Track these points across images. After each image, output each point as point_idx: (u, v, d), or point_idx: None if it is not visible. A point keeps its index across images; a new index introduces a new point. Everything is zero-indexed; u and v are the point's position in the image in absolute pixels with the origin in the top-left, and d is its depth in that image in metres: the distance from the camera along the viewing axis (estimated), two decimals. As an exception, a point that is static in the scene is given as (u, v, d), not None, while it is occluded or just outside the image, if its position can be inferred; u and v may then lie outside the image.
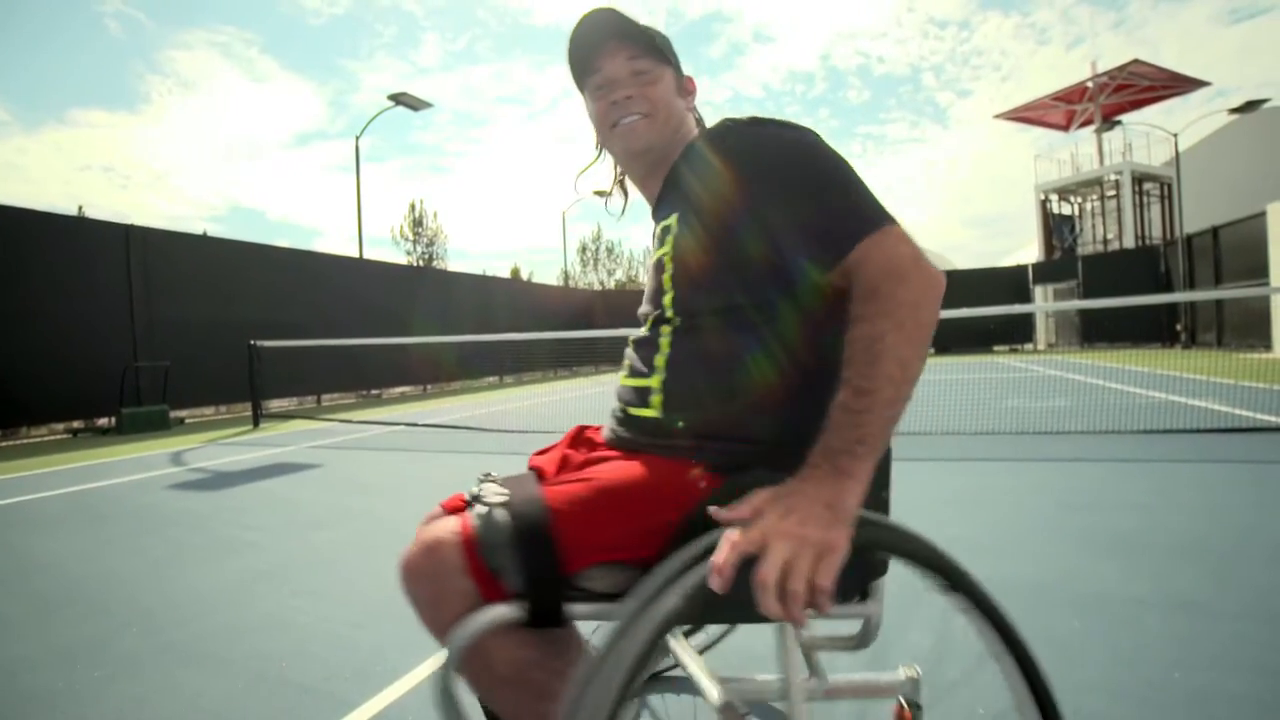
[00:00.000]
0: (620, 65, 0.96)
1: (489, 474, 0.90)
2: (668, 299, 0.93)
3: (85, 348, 8.26)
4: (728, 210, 0.87)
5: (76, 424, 8.41)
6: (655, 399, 0.91)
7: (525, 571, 0.75)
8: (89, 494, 4.20)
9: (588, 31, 0.96)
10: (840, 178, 0.82)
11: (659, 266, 0.96)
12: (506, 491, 0.82)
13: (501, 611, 0.74)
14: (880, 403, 0.70)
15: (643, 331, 0.99)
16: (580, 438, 1.04)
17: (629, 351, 1.01)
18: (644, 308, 1.00)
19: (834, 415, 0.71)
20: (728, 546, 0.63)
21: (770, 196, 0.83)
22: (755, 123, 0.88)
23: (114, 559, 2.73)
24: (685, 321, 0.92)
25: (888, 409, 0.70)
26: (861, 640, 0.91)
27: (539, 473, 0.92)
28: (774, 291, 0.86)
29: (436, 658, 0.76)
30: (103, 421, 8.51)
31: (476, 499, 0.83)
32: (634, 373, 0.97)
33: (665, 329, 0.94)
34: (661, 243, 0.97)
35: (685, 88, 1.03)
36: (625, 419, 0.95)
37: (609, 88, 0.97)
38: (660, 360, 0.93)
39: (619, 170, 1.11)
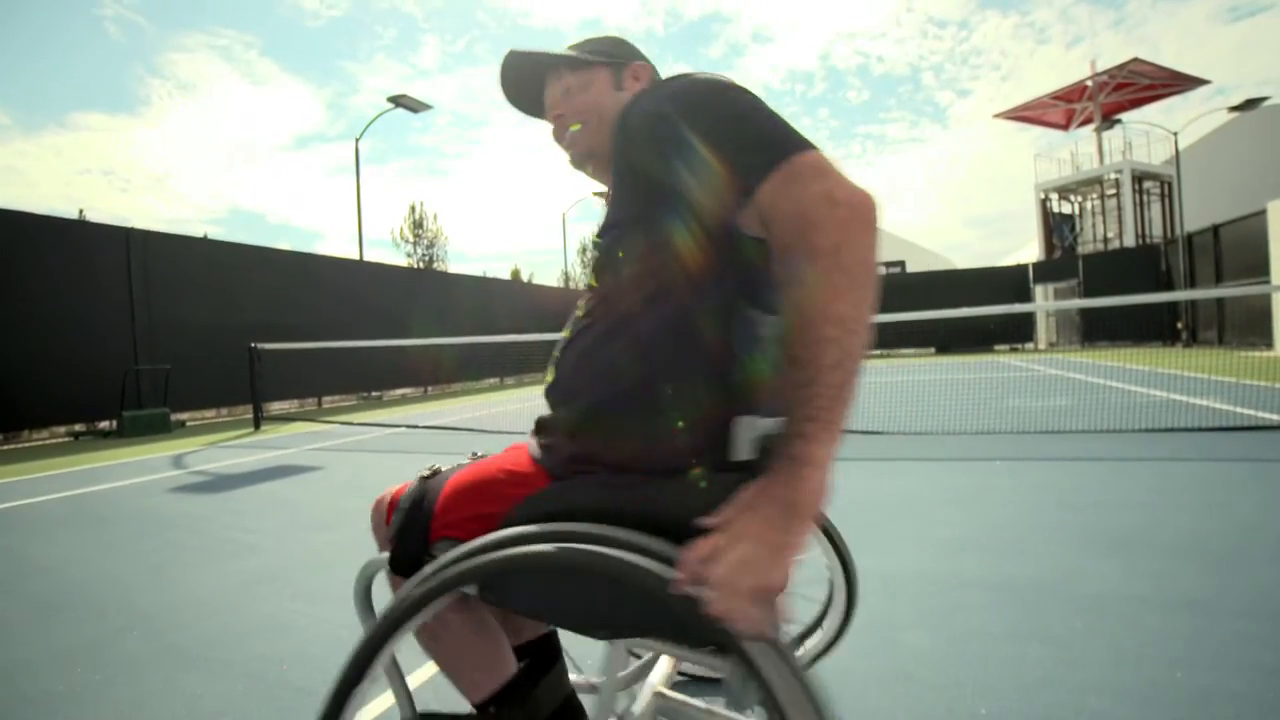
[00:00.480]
0: (554, 91, 1.00)
1: (474, 453, 1.02)
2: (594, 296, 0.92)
3: (86, 351, 8.27)
4: (623, 188, 0.84)
5: (78, 427, 8.41)
6: (547, 383, 0.96)
7: (393, 532, 0.89)
8: (90, 497, 4.20)
9: (515, 86, 1.03)
10: (732, 112, 0.73)
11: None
12: (439, 468, 0.96)
13: (381, 559, 0.92)
14: (824, 369, 0.62)
15: None
16: None
17: None
18: None
19: (787, 397, 0.66)
20: (691, 555, 0.63)
21: (659, 156, 0.76)
22: (650, 89, 0.84)
23: (114, 562, 2.73)
24: (590, 311, 0.90)
25: (832, 374, 0.62)
26: (736, 704, 0.84)
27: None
28: (667, 274, 0.79)
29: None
30: (104, 424, 8.51)
31: None
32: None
33: (578, 315, 0.93)
34: None
35: (632, 76, 1.00)
36: None
37: (550, 111, 1.01)
38: (558, 351, 0.96)
39: None
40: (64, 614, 2.16)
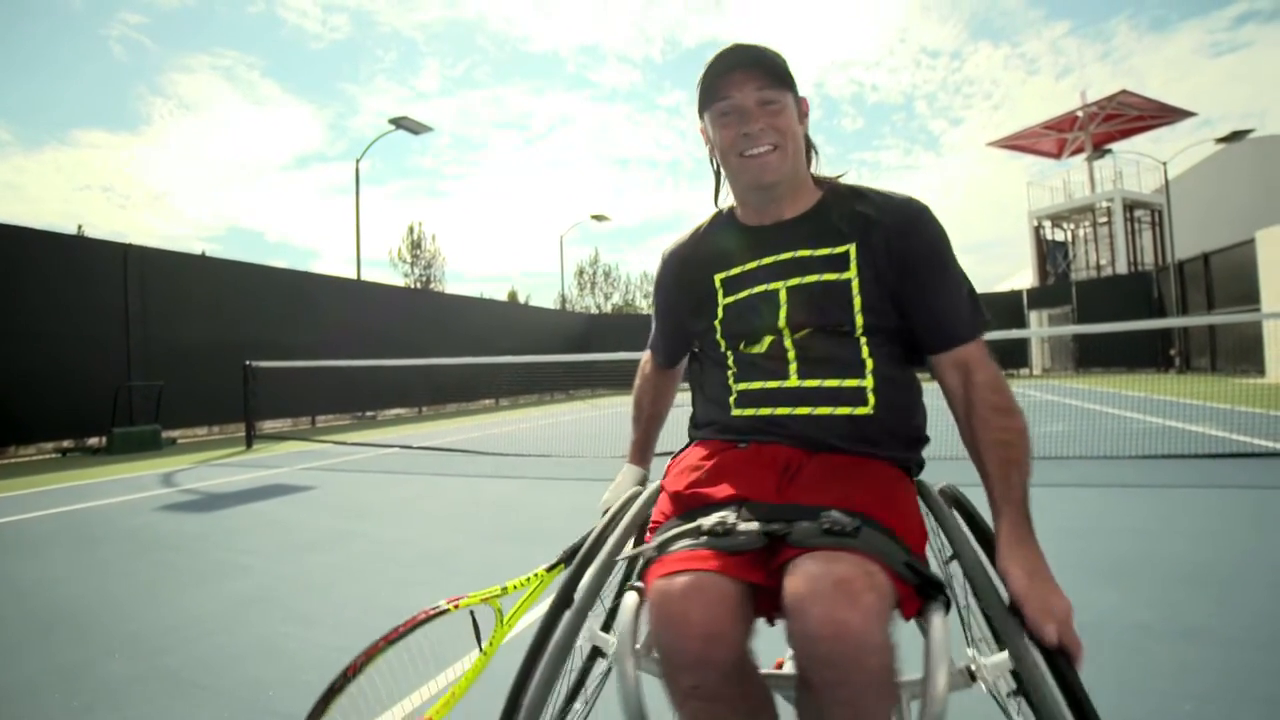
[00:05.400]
0: (748, 94, 0.95)
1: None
2: (860, 318, 0.98)
3: (79, 366, 8.22)
4: (881, 286, 0.97)
5: (66, 443, 8.32)
6: (871, 398, 0.98)
7: None
8: (78, 515, 4.14)
9: (719, 60, 0.97)
10: (955, 276, 0.98)
11: (845, 287, 0.98)
12: None
13: None
14: (1022, 493, 0.94)
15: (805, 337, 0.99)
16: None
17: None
18: (811, 317, 0.98)
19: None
20: None
21: (925, 288, 0.97)
22: (928, 215, 0.98)
23: (103, 582, 2.68)
24: (877, 336, 0.99)
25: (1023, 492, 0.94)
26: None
27: None
28: (891, 333, 1.01)
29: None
30: (93, 441, 8.42)
31: None
32: (832, 371, 0.99)
33: (864, 340, 0.98)
34: (832, 266, 0.98)
35: (802, 110, 1.02)
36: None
37: (736, 115, 0.97)
38: (871, 364, 0.98)
39: (723, 186, 1.10)
40: (50, 635, 2.11)
